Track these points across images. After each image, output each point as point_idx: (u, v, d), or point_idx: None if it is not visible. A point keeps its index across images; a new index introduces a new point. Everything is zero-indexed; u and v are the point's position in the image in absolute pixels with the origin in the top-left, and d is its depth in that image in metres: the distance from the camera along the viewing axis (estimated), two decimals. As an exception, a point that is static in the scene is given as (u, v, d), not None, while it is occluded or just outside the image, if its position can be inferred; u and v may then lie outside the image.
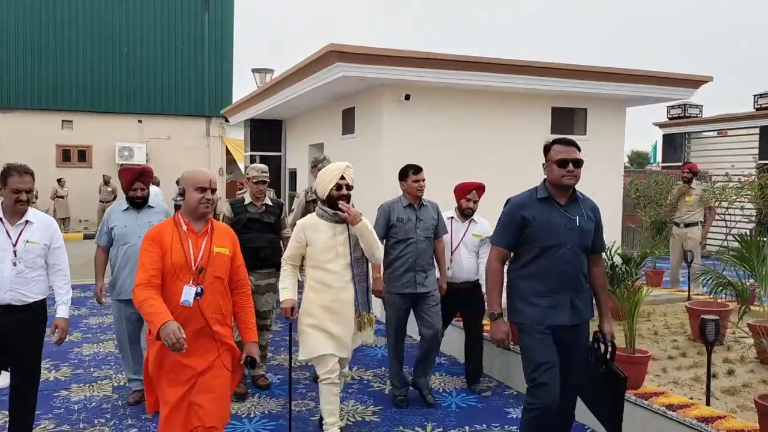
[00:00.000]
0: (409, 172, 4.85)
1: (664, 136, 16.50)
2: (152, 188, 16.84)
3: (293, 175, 12.01)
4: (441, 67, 7.79)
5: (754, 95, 14.28)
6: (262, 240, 5.04)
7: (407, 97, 7.97)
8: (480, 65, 7.96)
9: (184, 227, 3.11)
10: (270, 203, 5.19)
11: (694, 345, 5.70)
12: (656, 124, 16.65)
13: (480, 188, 5.25)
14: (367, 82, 7.94)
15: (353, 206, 4.08)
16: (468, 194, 5.16)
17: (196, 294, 3.01)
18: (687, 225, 8.56)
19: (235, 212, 5.07)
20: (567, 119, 8.98)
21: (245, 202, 5.11)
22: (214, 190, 3.13)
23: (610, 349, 3.40)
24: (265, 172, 5.13)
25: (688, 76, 8.99)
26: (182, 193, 3.13)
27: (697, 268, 8.22)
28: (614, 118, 9.22)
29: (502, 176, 7.41)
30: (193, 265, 3.03)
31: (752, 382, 4.75)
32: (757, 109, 14.14)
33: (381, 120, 8.12)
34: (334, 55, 7.28)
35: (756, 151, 14.15)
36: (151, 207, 4.80)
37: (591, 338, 3.50)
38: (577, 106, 8.99)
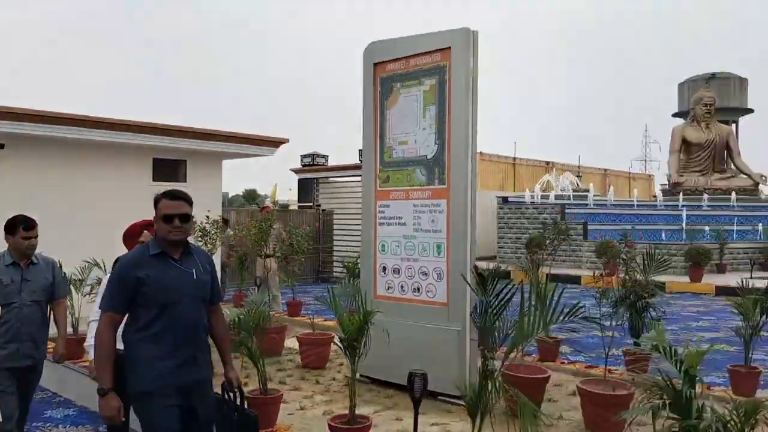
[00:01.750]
0: (19, 227, 4.20)
1: (299, 180, 19.35)
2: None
3: None
4: (39, 121, 8.68)
5: (359, 150, 17.71)
6: None
7: (2, 146, 8.66)
8: (83, 122, 9.07)
9: None
10: None
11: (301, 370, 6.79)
12: (292, 170, 19.43)
13: (151, 225, 4.10)
14: (-39, 132, 8.41)
15: None
16: (140, 236, 4.25)
17: None
18: (267, 256, 10.70)
19: None
20: (169, 169, 10.57)
21: None
22: None
23: (239, 394, 3.46)
24: None
25: (268, 137, 11.38)
26: None
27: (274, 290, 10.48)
28: (212, 169, 11.14)
29: (110, 223, 7.19)
30: None
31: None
32: (361, 161, 17.58)
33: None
34: None
35: (359, 192, 17.73)
36: None
37: (220, 389, 3.46)
38: (178, 158, 10.65)
